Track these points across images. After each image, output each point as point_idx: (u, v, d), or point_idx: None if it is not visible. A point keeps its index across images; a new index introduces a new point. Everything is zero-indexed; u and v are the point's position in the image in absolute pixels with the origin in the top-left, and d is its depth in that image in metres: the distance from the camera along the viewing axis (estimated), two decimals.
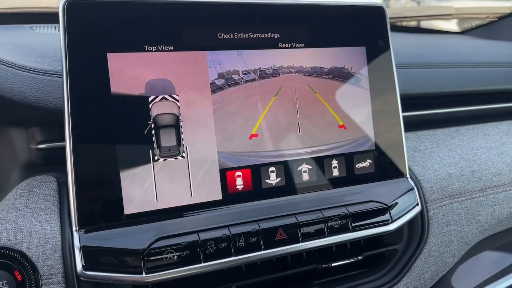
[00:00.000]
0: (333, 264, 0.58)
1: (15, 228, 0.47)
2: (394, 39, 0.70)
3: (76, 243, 0.47)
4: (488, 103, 0.87)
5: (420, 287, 0.63)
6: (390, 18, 1.32)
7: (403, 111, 0.70)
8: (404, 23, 1.39)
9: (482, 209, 0.69)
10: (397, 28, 1.31)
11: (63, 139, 0.48)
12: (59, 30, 0.73)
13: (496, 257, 0.73)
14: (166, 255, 0.49)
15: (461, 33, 1.41)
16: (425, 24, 1.51)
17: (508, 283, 0.70)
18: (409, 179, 0.63)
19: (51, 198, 0.51)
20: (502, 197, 0.71)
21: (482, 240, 0.72)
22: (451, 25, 1.66)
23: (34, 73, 0.53)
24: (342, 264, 0.59)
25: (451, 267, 0.67)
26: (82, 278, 0.47)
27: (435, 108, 0.80)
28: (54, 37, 0.72)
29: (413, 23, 1.44)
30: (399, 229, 0.62)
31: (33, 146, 0.56)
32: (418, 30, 1.39)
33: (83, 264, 0.47)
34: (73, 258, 0.47)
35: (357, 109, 0.61)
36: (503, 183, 0.71)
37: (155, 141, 0.51)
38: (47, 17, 0.83)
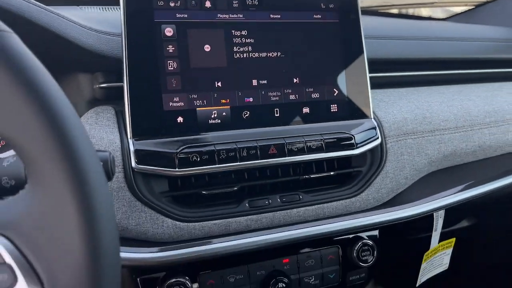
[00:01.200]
0: (312, 176, 0.80)
1: (89, 135, 0.69)
2: (374, 21, 0.90)
3: (131, 148, 0.69)
4: (444, 69, 1.07)
5: (378, 198, 0.83)
6: (377, 6, 1.52)
7: (375, 72, 0.92)
8: (392, 11, 1.59)
9: (430, 146, 0.89)
10: (383, 15, 1.51)
11: (121, 80, 0.70)
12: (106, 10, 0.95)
13: (442, 180, 0.93)
14: (192, 157, 0.71)
15: (443, 19, 1.61)
16: (412, 11, 1.71)
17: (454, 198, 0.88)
18: (373, 119, 0.84)
19: (112, 118, 0.73)
20: (447, 138, 0.91)
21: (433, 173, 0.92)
22: (438, 13, 1.86)
23: (100, 33, 0.75)
24: (319, 177, 0.81)
25: (405, 189, 0.88)
26: (135, 170, 0.69)
27: (400, 71, 1.01)
28: (107, 13, 0.95)
29: (398, 11, 1.63)
30: (363, 156, 0.84)
31: (96, 86, 0.78)
32: (403, 16, 1.59)
33: (136, 161, 0.69)
34: (129, 157, 0.69)
35: (333, 64, 0.82)
36: (449, 127, 0.92)
37: None
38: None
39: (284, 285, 0.75)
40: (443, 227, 1.00)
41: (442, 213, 0.94)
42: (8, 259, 0.36)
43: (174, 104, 0.72)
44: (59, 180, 0.34)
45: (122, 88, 0.70)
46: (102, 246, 0.36)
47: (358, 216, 0.80)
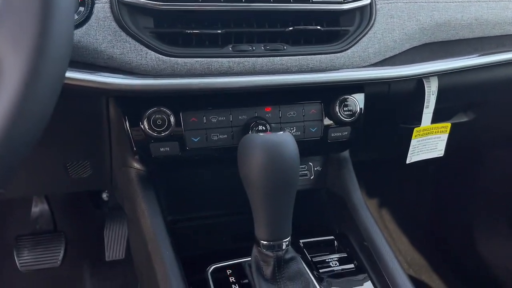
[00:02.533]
0: (298, 27, 0.80)
1: None
2: None
3: None
4: None
5: (364, 58, 0.84)
6: None
7: None
8: None
9: (422, 12, 0.88)
10: None
11: None
12: None
13: (435, 51, 0.92)
14: None
15: None
16: None
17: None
18: None
19: None
20: (441, 6, 0.90)
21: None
22: None
23: None
24: (306, 32, 0.81)
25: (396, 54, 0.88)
26: (120, 1, 0.72)
27: None
28: None
29: None
30: (352, 15, 0.84)
31: None
32: None
33: None
34: None
35: None
36: None
37: None
38: None
39: (264, 129, 0.78)
40: (438, 119, 1.00)
41: (434, 87, 0.93)
42: None
43: None
44: None
45: None
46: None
47: (343, 70, 0.81)
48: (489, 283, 1.50)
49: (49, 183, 1.01)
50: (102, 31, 0.71)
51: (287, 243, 0.67)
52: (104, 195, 1.51)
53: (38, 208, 1.44)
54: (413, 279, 1.63)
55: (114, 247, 1.46)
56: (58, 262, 1.37)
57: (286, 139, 0.64)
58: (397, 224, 1.72)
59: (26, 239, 1.39)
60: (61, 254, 1.38)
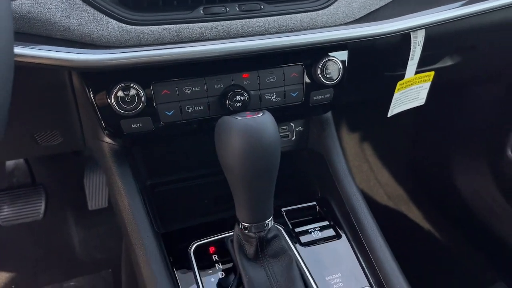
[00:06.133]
0: None
1: None
2: None
3: None
4: None
5: (349, 13, 0.77)
6: None
7: None
8: None
9: None
10: None
11: None
12: None
13: (423, 2, 0.86)
14: None
15: None
16: None
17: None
18: None
19: None
20: None
21: None
22: None
23: None
24: None
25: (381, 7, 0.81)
26: None
27: None
28: None
29: None
30: None
31: None
32: None
33: None
34: None
35: None
36: None
37: None
38: None
39: (242, 98, 0.73)
40: (422, 65, 0.96)
41: (421, 37, 0.88)
42: None
43: None
44: None
45: None
46: None
47: (326, 30, 0.75)
48: (463, 210, 1.58)
49: (17, 151, 0.97)
50: None
51: (269, 223, 0.66)
52: None
53: (13, 161, 1.40)
54: (392, 211, 1.70)
55: (95, 197, 1.45)
56: (40, 215, 1.37)
57: (265, 123, 0.60)
58: (377, 158, 1.74)
59: (3, 194, 1.36)
60: (43, 207, 1.37)
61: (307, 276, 0.69)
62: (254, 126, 0.59)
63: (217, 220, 0.77)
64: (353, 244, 0.75)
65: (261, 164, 0.59)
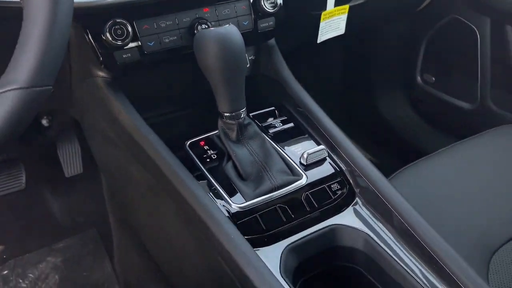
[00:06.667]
0: None
1: None
2: None
3: None
4: None
5: None
6: None
7: None
8: None
9: None
10: None
11: None
12: None
13: None
14: None
15: None
16: None
17: None
18: None
19: None
20: None
21: None
22: None
23: None
24: None
25: None
26: None
27: None
28: None
29: None
30: None
31: None
32: None
33: None
34: None
35: None
36: None
37: None
38: None
39: (206, 27, 0.93)
40: (339, 3, 1.21)
41: None
42: None
43: None
44: None
45: None
46: None
47: None
48: (389, 133, 1.88)
49: None
50: None
51: (244, 112, 0.87)
52: (44, 121, 1.58)
53: None
54: None
55: (71, 164, 1.58)
56: (23, 185, 1.48)
57: (232, 30, 0.81)
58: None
59: None
60: (24, 178, 1.48)
61: (277, 148, 0.91)
62: (224, 33, 0.80)
63: (202, 125, 0.97)
64: (310, 131, 0.98)
65: (233, 61, 0.80)
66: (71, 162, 1.58)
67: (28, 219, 1.57)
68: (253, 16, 1.01)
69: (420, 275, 0.71)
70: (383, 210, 0.79)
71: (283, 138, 0.95)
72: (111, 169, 1.28)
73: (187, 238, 0.97)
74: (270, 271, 0.69)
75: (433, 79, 1.76)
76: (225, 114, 0.86)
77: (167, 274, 1.19)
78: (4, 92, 0.51)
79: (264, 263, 0.70)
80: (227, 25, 0.83)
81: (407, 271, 0.72)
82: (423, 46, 1.73)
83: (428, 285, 0.71)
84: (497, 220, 0.96)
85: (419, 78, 1.80)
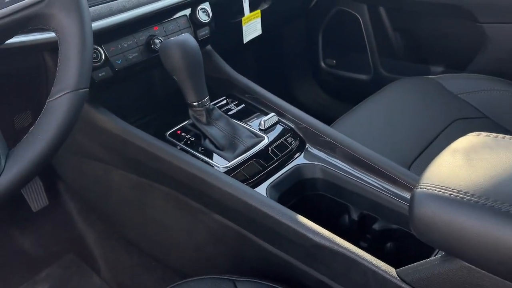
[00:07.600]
0: None
1: None
2: None
3: None
4: None
5: None
6: None
7: None
8: None
9: None
10: None
11: None
12: None
13: None
14: None
15: None
16: None
17: None
18: None
19: None
20: None
21: None
22: None
23: None
24: None
25: None
26: None
27: None
28: None
29: None
30: None
31: None
32: None
33: None
34: None
35: None
36: None
37: None
38: None
39: (158, 41, 1.15)
40: (252, 9, 1.49)
41: None
42: None
43: None
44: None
45: None
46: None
47: None
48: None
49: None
50: None
51: (208, 100, 1.10)
52: None
53: None
54: None
55: (36, 198, 1.66)
56: None
57: (189, 37, 1.04)
58: None
59: None
60: None
61: (239, 123, 1.15)
62: (183, 39, 1.03)
63: (174, 119, 1.18)
64: (257, 105, 1.23)
65: (193, 60, 1.03)
66: (35, 197, 1.67)
67: (3, 258, 1.62)
68: (192, 27, 1.25)
69: (366, 178, 1.00)
70: (327, 146, 1.07)
71: (241, 116, 1.20)
72: (88, 185, 1.43)
73: (180, 215, 1.17)
74: (269, 198, 0.94)
75: (334, 61, 2.12)
76: (194, 103, 1.09)
77: (163, 259, 1.36)
78: (60, 96, 0.69)
79: (261, 194, 0.94)
80: (183, 34, 1.06)
81: (356, 181, 1.00)
82: (320, 36, 2.08)
83: (374, 184, 0.99)
84: (408, 143, 1.28)
85: (322, 64, 2.15)
